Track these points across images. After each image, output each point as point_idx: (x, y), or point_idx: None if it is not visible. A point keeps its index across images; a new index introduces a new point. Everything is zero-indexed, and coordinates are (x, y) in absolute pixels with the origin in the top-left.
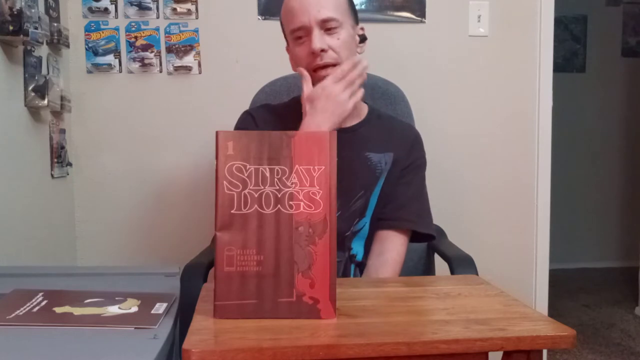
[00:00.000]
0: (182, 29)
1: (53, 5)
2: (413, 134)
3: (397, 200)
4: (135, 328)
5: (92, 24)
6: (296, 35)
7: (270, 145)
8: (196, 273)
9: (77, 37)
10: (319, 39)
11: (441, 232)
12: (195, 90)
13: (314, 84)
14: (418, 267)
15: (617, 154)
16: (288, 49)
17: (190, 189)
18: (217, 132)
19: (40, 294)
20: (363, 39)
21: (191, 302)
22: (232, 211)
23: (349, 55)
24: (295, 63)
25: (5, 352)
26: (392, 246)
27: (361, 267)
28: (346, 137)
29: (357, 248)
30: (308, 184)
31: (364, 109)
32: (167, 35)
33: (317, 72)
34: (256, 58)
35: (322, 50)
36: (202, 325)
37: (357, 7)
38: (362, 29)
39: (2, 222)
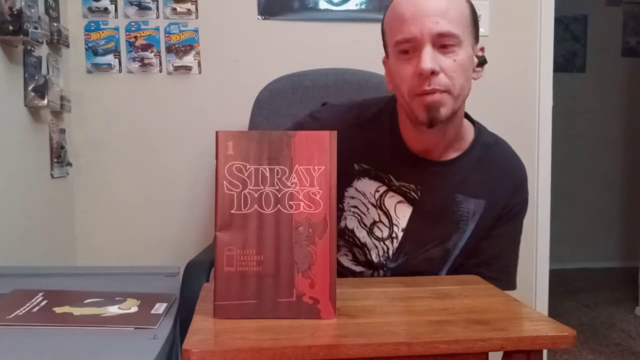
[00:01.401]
0: (182, 28)
1: (53, 5)
2: (519, 176)
3: (482, 254)
4: (135, 328)
5: (92, 24)
6: (401, 49)
7: (270, 145)
8: (199, 271)
9: (77, 37)
10: (430, 58)
11: None
12: (195, 90)
13: (413, 110)
14: None
15: (617, 154)
16: (385, 61)
17: (190, 189)
18: (217, 132)
19: (40, 294)
20: (482, 61)
21: (191, 302)
22: (232, 211)
23: (465, 82)
24: (393, 81)
25: (5, 352)
26: None
27: None
28: (439, 171)
29: None
30: (308, 184)
31: (469, 133)
32: (167, 35)
33: (422, 97)
34: (256, 58)
35: (433, 73)
36: (202, 325)
37: (357, 7)
38: (482, 49)
39: (2, 222)
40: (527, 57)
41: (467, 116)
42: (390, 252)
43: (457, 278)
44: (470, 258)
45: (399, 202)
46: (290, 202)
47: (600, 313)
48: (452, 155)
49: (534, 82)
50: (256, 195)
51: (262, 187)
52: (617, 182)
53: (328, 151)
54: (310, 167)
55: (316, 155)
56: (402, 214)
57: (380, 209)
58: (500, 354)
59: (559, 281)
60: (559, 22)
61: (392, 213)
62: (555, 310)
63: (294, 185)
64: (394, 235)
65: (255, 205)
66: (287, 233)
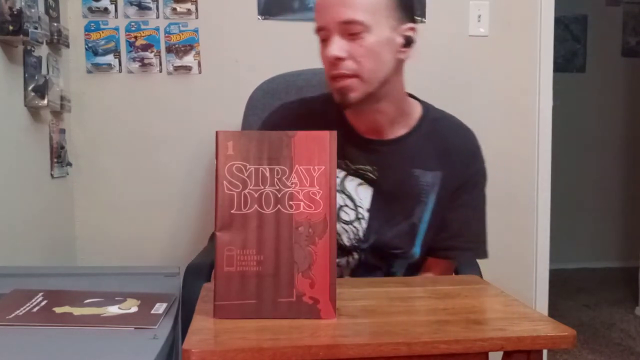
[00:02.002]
0: (182, 28)
1: (53, 5)
2: (471, 146)
3: (450, 227)
4: (135, 328)
5: (92, 24)
6: (320, 36)
7: (270, 145)
8: (200, 273)
9: (77, 37)
10: (336, 45)
11: None
12: (195, 90)
13: (333, 94)
14: None
15: (617, 154)
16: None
17: (190, 189)
18: (217, 132)
19: (40, 294)
20: (410, 41)
21: (192, 302)
22: (232, 211)
23: (375, 65)
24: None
25: (5, 352)
26: (437, 273)
27: None
28: (390, 149)
29: (398, 269)
30: (308, 184)
31: (417, 111)
32: (167, 35)
33: (334, 81)
34: (256, 58)
35: (338, 59)
36: (202, 325)
37: None
38: (412, 29)
39: (2, 222)
40: (527, 57)
41: (412, 96)
42: (361, 233)
43: (457, 278)
44: (440, 232)
45: (359, 184)
46: (290, 202)
47: (600, 313)
48: (401, 132)
49: (534, 82)
50: (256, 195)
51: (262, 187)
52: (617, 182)
53: (328, 151)
54: (310, 167)
55: (316, 155)
56: (364, 195)
57: (343, 193)
58: (500, 354)
59: (559, 281)
60: (559, 22)
61: (354, 196)
62: (555, 310)
63: (294, 185)
64: (360, 216)
65: (255, 205)
66: (287, 233)
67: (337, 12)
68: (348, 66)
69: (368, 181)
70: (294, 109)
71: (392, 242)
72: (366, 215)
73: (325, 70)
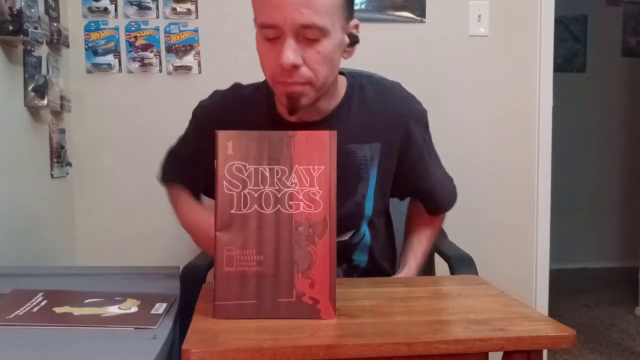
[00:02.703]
0: (182, 28)
1: (53, 5)
2: (404, 104)
3: (423, 191)
4: (135, 328)
5: (92, 24)
6: (265, 35)
7: (270, 145)
8: (196, 273)
9: (76, 37)
10: (292, 52)
11: (442, 232)
12: (195, 90)
13: (276, 93)
14: None
15: (617, 154)
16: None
17: None
18: (217, 132)
19: (40, 294)
20: (354, 41)
21: (191, 302)
22: (232, 211)
23: (328, 70)
24: (260, 59)
25: (5, 352)
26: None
27: (370, 274)
28: (320, 129)
29: (360, 257)
30: (308, 184)
31: (342, 85)
32: (167, 35)
33: (283, 85)
34: (256, 58)
35: (294, 67)
36: (202, 326)
37: (357, 7)
38: (356, 26)
39: (2, 222)
40: (527, 57)
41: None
42: None
43: (457, 278)
44: (419, 201)
45: None
46: (290, 202)
47: (600, 313)
48: (330, 107)
49: (534, 82)
50: (256, 195)
51: (262, 187)
52: (617, 182)
53: (328, 151)
54: (310, 167)
55: (316, 155)
56: None
57: None
58: (500, 354)
59: (559, 281)
60: (559, 22)
61: None
62: (555, 310)
63: (293, 185)
64: None
65: (255, 205)
66: (287, 233)
67: (296, 12)
68: (302, 74)
69: None
70: (227, 95)
71: (341, 223)
72: None
73: (269, 71)
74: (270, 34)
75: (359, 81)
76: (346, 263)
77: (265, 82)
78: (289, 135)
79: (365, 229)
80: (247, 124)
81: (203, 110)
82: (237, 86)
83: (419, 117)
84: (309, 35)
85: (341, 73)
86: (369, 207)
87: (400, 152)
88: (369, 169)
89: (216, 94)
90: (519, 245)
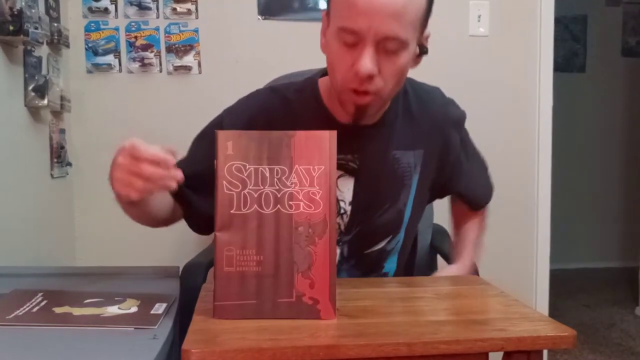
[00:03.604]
0: (182, 28)
1: (53, 6)
2: (447, 115)
3: (468, 193)
4: (134, 328)
5: (92, 24)
6: (344, 39)
7: (270, 145)
8: (196, 272)
9: (77, 37)
10: (370, 61)
11: (443, 232)
12: (195, 90)
13: (342, 99)
14: (420, 266)
15: (617, 154)
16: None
17: None
18: (216, 132)
19: (40, 294)
20: (423, 52)
21: (191, 302)
22: (232, 211)
23: (398, 83)
24: (329, 57)
25: (5, 352)
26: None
27: None
28: (369, 133)
29: (390, 265)
30: (308, 184)
31: None
32: (167, 35)
33: (353, 93)
34: (256, 58)
35: (370, 76)
36: (202, 326)
37: None
38: (427, 37)
39: (2, 222)
40: (527, 57)
41: None
42: (343, 227)
43: (457, 278)
44: (466, 196)
45: (340, 176)
46: (290, 202)
47: (600, 313)
48: (380, 112)
49: (534, 82)
50: (256, 195)
51: (262, 187)
52: (617, 182)
53: (328, 151)
54: (310, 167)
55: (316, 155)
56: (346, 187)
57: None
58: (500, 354)
59: (559, 281)
60: (559, 22)
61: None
62: (555, 310)
63: (293, 185)
64: (342, 211)
65: (255, 205)
66: (286, 233)
67: (383, 23)
68: (377, 84)
69: (349, 172)
70: (268, 97)
71: (377, 230)
72: (348, 209)
73: (341, 76)
74: (349, 39)
75: (403, 87)
76: (376, 272)
77: (307, 82)
78: (289, 135)
79: (402, 236)
80: (298, 125)
81: (248, 110)
82: (273, 89)
83: (458, 121)
84: (389, 46)
85: None
86: (407, 214)
87: (438, 159)
88: (412, 176)
89: (250, 97)
90: (519, 245)
